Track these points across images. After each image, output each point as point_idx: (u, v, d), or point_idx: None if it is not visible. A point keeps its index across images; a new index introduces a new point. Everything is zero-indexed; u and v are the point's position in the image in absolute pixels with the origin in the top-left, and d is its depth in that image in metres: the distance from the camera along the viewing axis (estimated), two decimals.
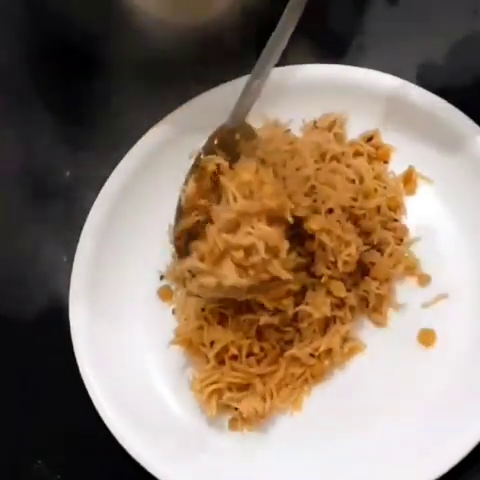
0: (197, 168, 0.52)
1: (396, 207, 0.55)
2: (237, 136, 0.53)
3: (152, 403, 0.54)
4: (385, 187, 0.55)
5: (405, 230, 0.55)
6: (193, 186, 0.52)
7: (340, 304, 0.53)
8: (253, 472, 0.52)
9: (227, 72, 0.57)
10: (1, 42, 0.63)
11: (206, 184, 0.52)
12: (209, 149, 0.53)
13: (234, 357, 0.52)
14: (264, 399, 0.52)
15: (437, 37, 0.57)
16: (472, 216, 0.54)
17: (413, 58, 0.57)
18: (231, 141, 0.53)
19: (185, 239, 0.52)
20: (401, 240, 0.55)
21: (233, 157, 0.52)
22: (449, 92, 0.54)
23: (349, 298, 0.52)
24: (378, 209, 0.54)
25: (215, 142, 0.53)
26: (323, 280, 0.52)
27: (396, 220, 0.55)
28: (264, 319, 0.51)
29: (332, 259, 0.51)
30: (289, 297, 0.51)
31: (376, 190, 0.54)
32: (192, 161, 0.53)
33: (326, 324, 0.53)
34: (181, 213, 0.53)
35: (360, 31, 0.59)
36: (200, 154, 0.53)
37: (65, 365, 0.54)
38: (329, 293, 0.52)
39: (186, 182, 0.53)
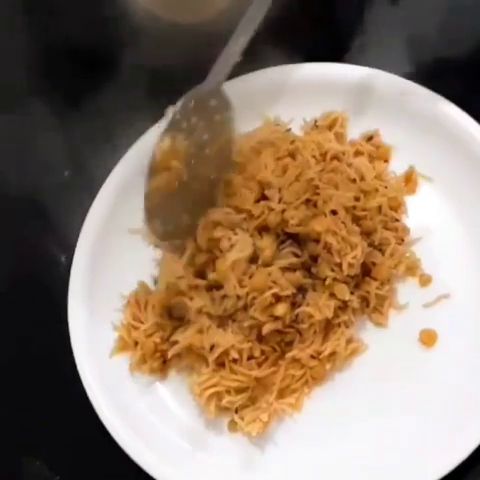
0: (173, 125, 0.52)
1: (397, 207, 0.55)
2: (212, 102, 0.51)
3: (152, 404, 0.54)
4: (386, 187, 0.55)
5: (406, 230, 0.55)
6: (168, 142, 0.51)
7: (343, 307, 0.52)
8: (252, 473, 0.52)
9: None
10: (1, 40, 0.64)
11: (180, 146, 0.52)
12: (185, 110, 0.52)
13: (234, 360, 0.52)
14: (266, 409, 0.52)
15: (438, 36, 0.57)
16: (473, 215, 0.54)
17: (413, 57, 0.57)
18: (205, 106, 0.51)
19: (155, 200, 0.52)
20: (402, 240, 0.55)
21: (207, 122, 0.51)
22: (450, 91, 0.54)
23: (352, 301, 0.52)
24: (379, 209, 0.54)
25: (191, 104, 0.52)
26: (327, 283, 0.51)
27: (397, 220, 0.55)
28: (268, 327, 0.51)
29: (337, 261, 0.51)
30: (282, 303, 0.51)
31: (377, 190, 0.54)
32: (168, 117, 0.52)
33: (327, 325, 0.52)
34: (152, 171, 0.52)
35: (361, 30, 0.59)
36: (176, 113, 0.52)
37: (65, 365, 0.54)
38: (332, 296, 0.52)
39: (161, 139, 0.52)
